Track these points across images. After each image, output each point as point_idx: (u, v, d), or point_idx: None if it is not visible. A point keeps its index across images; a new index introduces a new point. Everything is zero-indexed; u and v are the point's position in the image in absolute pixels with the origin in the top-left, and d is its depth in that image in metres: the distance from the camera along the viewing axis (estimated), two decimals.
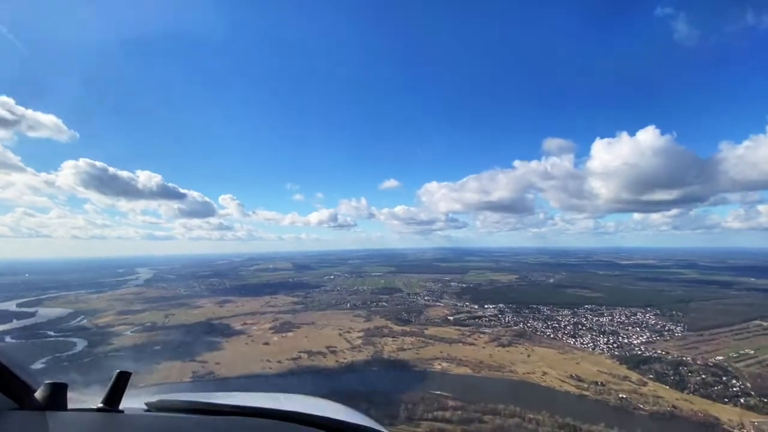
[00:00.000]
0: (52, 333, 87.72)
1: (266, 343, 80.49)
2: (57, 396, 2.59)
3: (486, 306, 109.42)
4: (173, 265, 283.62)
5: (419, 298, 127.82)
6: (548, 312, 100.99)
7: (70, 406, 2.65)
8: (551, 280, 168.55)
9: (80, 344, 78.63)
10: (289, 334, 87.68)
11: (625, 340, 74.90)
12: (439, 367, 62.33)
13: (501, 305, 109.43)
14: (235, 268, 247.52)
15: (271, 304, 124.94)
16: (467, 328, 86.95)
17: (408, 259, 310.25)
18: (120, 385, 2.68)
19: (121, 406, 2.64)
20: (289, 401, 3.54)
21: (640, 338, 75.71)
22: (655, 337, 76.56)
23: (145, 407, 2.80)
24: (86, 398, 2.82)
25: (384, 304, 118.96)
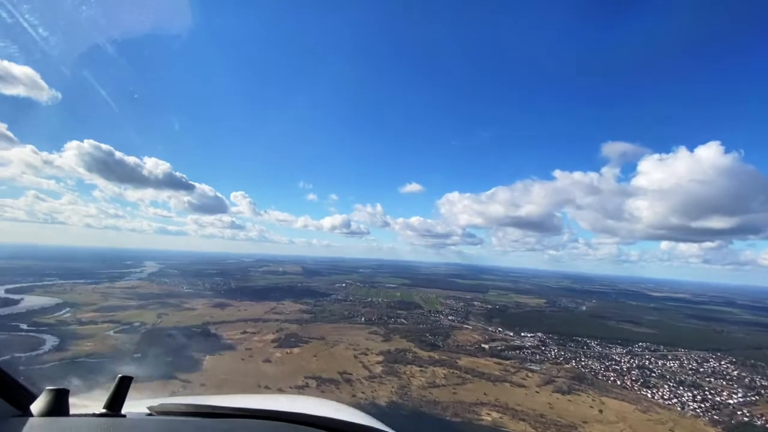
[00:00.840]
0: (24, 326, 75.11)
1: (267, 361, 66.28)
2: (59, 402, 2.50)
3: (523, 334, 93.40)
4: (182, 260, 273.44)
5: (442, 317, 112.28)
6: (599, 348, 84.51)
7: (72, 411, 2.55)
8: (583, 308, 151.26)
9: (49, 343, 65.61)
10: (295, 350, 73.34)
11: (717, 398, 58.28)
12: (489, 418, 46.89)
13: (539, 334, 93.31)
14: (244, 268, 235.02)
15: (276, 310, 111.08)
16: (509, 362, 71.19)
17: (421, 272, 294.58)
18: (122, 389, 2.60)
19: (123, 411, 2.56)
20: (291, 402, 3.58)
21: (735, 396, 59.06)
22: (752, 395, 59.85)
23: (148, 411, 2.74)
24: (88, 403, 2.74)
25: (403, 321, 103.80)
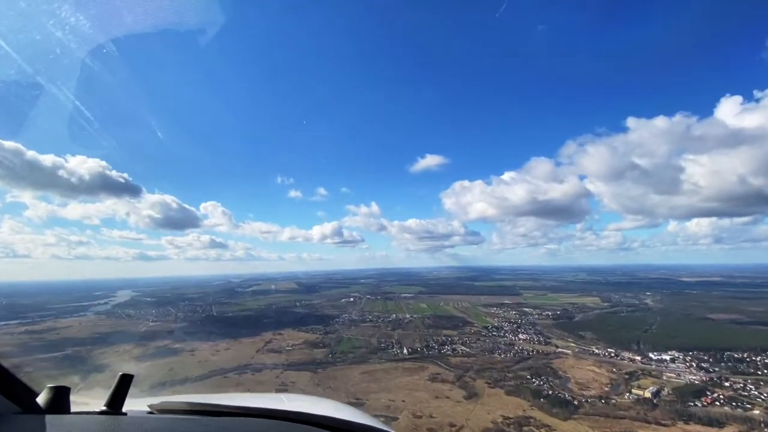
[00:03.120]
0: None
1: None
2: (60, 399, 2.43)
3: (654, 356, 59.29)
4: (162, 287, 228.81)
5: (509, 335, 77.44)
6: None
7: (73, 409, 2.49)
8: (655, 304, 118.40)
9: None
10: None
11: None
12: None
13: (673, 352, 59.51)
14: (230, 289, 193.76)
15: (273, 346, 74.52)
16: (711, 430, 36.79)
17: (426, 278, 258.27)
18: (123, 387, 2.50)
19: (124, 409, 2.48)
20: (292, 402, 3.36)
21: None
22: None
23: (148, 409, 2.66)
24: (89, 401, 2.65)
25: (462, 347, 68.37)
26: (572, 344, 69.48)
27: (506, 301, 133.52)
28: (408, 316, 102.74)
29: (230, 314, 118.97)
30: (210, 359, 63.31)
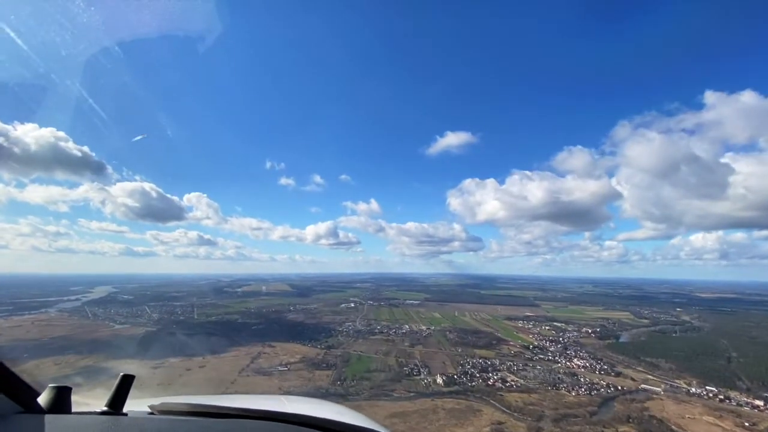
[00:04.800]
0: None
1: None
2: (61, 399, 2.42)
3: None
4: (147, 283, 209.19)
5: (558, 358, 60.73)
6: None
7: (74, 409, 2.47)
8: (686, 318, 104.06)
9: None
10: None
11: None
12: None
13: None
14: (218, 289, 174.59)
15: (263, 364, 56.92)
16: None
17: (426, 284, 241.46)
18: (124, 388, 2.50)
19: (124, 409, 2.47)
20: (292, 403, 3.32)
21: None
22: None
23: (149, 410, 2.64)
24: (90, 401, 2.62)
25: (513, 377, 51.25)
26: (650, 377, 52.97)
27: (528, 313, 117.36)
28: (424, 327, 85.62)
29: (214, 318, 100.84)
30: (170, 385, 45.41)
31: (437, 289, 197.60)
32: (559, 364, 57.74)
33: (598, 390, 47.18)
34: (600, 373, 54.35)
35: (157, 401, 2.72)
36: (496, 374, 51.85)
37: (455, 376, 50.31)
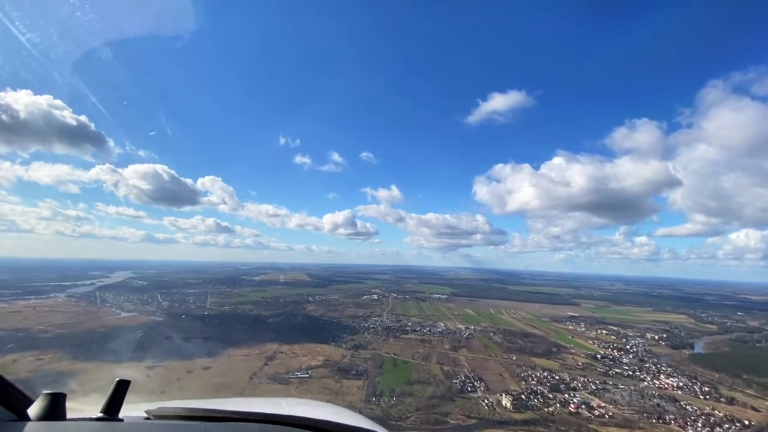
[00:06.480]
0: None
1: None
2: (56, 406, 2.37)
3: None
4: (165, 270, 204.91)
5: (640, 374, 48.17)
6: None
7: (69, 415, 2.42)
8: (756, 325, 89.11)
9: None
10: None
11: None
12: None
13: None
14: (236, 277, 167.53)
15: (278, 368, 46.72)
16: None
17: (448, 278, 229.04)
18: (119, 393, 2.48)
19: (120, 415, 2.46)
20: (290, 406, 3.32)
21: None
22: None
23: (145, 415, 2.61)
24: (85, 408, 2.61)
25: (599, 403, 39.34)
26: None
27: (571, 313, 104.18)
28: (462, 327, 74.13)
29: (226, 308, 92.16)
30: (163, 393, 35.29)
31: (461, 284, 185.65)
32: (646, 383, 45.47)
33: (720, 426, 34.94)
34: (705, 398, 41.83)
35: (153, 406, 2.63)
36: (573, 395, 40.07)
37: (523, 396, 38.78)
